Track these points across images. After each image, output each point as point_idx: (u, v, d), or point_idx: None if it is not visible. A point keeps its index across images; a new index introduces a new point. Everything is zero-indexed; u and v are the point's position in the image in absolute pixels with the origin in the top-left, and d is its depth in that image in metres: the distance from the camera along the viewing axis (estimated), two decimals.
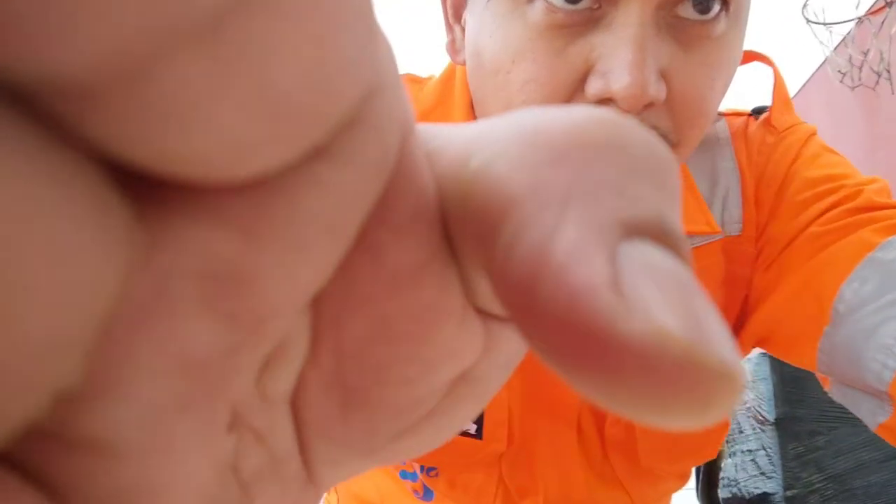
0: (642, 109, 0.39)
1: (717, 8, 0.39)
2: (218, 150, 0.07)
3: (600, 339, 0.07)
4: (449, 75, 0.55)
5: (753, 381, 2.04)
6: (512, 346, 0.12)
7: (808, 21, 3.38)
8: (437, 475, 0.54)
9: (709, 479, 2.31)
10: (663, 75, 0.39)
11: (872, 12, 3.39)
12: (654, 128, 0.40)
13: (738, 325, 0.54)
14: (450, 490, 0.55)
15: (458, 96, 0.52)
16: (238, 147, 0.07)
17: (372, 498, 0.61)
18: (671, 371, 0.07)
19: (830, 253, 0.46)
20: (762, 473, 2.01)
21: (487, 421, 0.51)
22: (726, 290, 0.53)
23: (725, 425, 0.57)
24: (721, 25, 0.40)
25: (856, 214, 0.46)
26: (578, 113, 0.09)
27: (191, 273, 0.08)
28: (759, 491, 2.01)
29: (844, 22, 3.41)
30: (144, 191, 0.07)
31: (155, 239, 0.07)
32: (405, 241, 0.09)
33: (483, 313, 0.11)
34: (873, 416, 0.45)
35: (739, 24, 0.42)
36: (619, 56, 0.37)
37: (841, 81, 3.55)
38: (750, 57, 0.55)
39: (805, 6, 3.42)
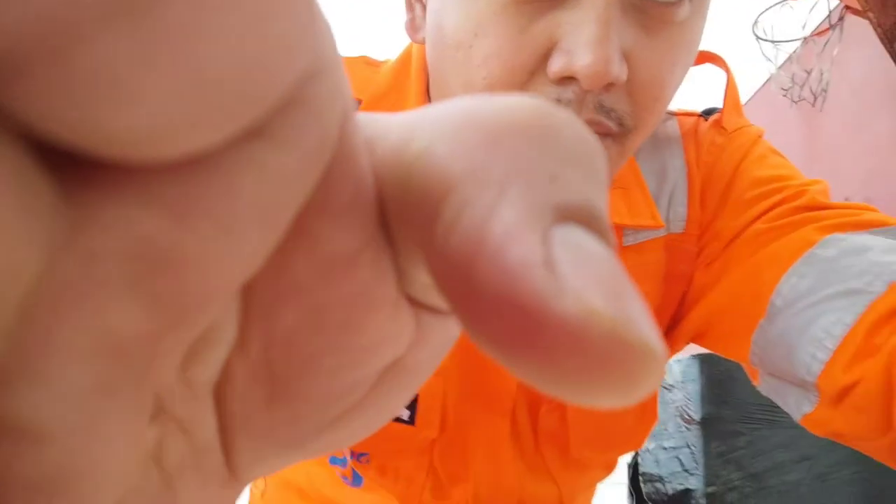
0: (603, 90, 0.39)
1: None
2: (146, 129, 0.07)
3: (534, 317, 0.08)
4: (405, 59, 0.54)
5: (683, 382, 2.11)
6: (441, 337, 0.12)
7: (758, 38, 3.49)
8: (367, 461, 0.54)
9: (636, 473, 2.37)
10: (626, 57, 0.39)
11: (818, 33, 3.52)
12: (613, 110, 0.40)
13: (674, 321, 0.56)
14: (380, 476, 0.55)
15: (413, 80, 0.52)
16: (168, 126, 0.07)
17: (301, 483, 0.61)
18: (599, 349, 0.08)
19: (772, 249, 0.47)
20: (685, 470, 2.08)
21: (421, 407, 0.51)
22: (666, 285, 0.54)
23: (653, 417, 0.58)
24: (685, 10, 0.41)
25: (799, 213, 0.48)
26: (512, 100, 0.10)
27: (116, 253, 0.07)
28: (681, 487, 2.08)
29: (791, 41, 3.53)
30: (72, 170, 0.07)
31: (81, 219, 0.07)
32: (341, 228, 0.09)
33: (415, 303, 0.11)
34: (799, 408, 0.46)
35: (702, 10, 0.43)
36: (583, 33, 0.37)
37: (784, 96, 3.68)
38: (704, 58, 0.56)
39: (756, 23, 3.52)
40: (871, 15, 2.73)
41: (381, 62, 0.57)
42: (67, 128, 0.06)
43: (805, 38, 3.50)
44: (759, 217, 0.49)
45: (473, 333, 0.09)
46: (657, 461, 2.19)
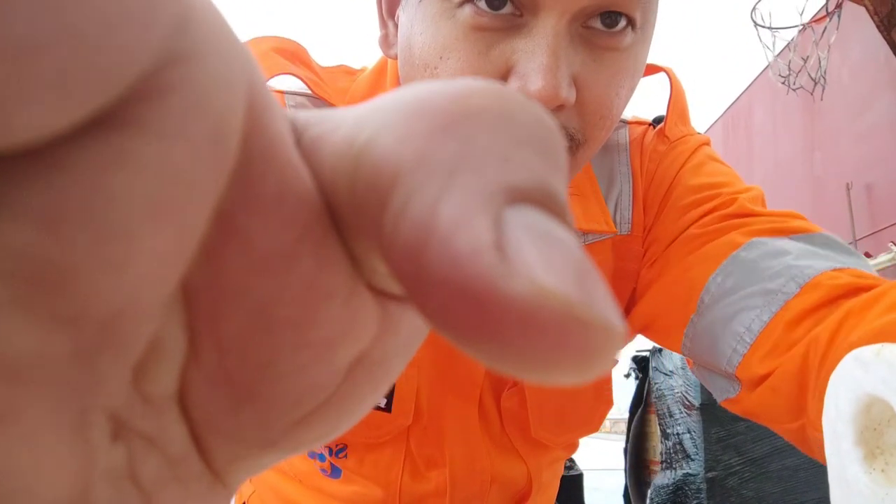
0: (554, 110, 0.43)
1: (623, 23, 0.44)
2: None
3: (483, 300, 0.08)
4: (381, 68, 0.57)
5: (683, 369, 2.13)
6: (410, 328, 0.11)
7: (756, 24, 3.49)
8: (345, 456, 0.58)
9: (637, 460, 2.40)
10: (574, 81, 0.43)
11: (815, 20, 3.52)
12: (564, 128, 0.44)
13: (625, 314, 0.60)
14: (359, 467, 0.58)
15: (389, 89, 0.55)
16: None
17: (283, 467, 0.64)
18: (553, 328, 0.08)
19: (703, 252, 0.52)
20: (686, 455, 2.11)
21: (397, 395, 0.55)
22: (615, 282, 0.59)
23: (608, 402, 0.63)
24: (627, 39, 0.45)
25: (728, 220, 0.53)
26: (464, 84, 0.09)
27: None
28: (682, 472, 2.11)
29: (789, 28, 3.54)
30: None
31: None
32: (272, 222, 0.09)
33: (379, 293, 0.11)
34: (724, 393, 0.52)
35: (645, 40, 0.47)
36: (535, 60, 0.42)
37: (782, 83, 3.69)
38: (653, 69, 0.59)
39: (754, 9, 3.53)
40: (867, 3, 2.74)
41: (359, 70, 0.60)
42: None
43: (803, 26, 3.50)
44: (693, 223, 0.54)
45: (429, 320, 0.08)
46: (664, 448, 2.22)
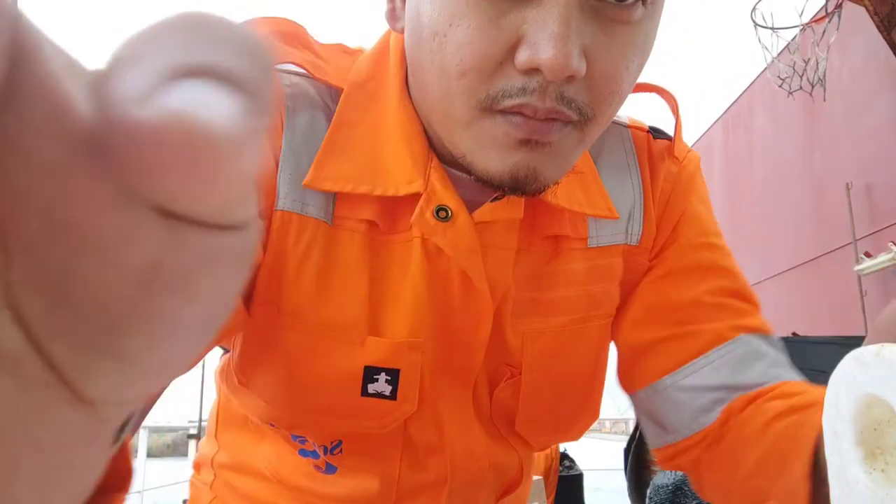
0: (564, 82, 0.43)
1: None
2: None
3: (121, 131, 0.10)
4: (383, 46, 0.57)
5: None
6: (202, 244, 0.12)
7: (756, 24, 3.50)
8: (340, 451, 0.58)
9: (637, 460, 2.40)
10: (585, 53, 0.43)
11: (815, 20, 3.53)
12: (573, 100, 0.44)
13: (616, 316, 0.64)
14: (355, 461, 0.58)
15: (392, 68, 0.55)
16: None
17: (261, 468, 0.63)
18: (179, 142, 0.10)
19: (700, 329, 0.58)
20: None
21: (402, 382, 0.55)
22: (622, 289, 0.62)
23: (594, 412, 0.65)
24: (638, 12, 0.45)
25: (726, 297, 0.60)
26: (189, 10, 0.11)
27: None
28: (682, 472, 2.10)
29: (789, 28, 3.54)
30: None
31: None
32: (44, 140, 0.11)
33: (165, 213, 0.11)
34: (657, 440, 0.61)
35: (655, 15, 0.47)
36: (546, 29, 0.41)
37: (780, 86, 3.69)
38: (653, 89, 0.61)
39: (754, 10, 3.53)
40: (867, 3, 2.75)
41: (356, 50, 0.60)
42: None
43: (803, 26, 3.50)
44: (694, 279, 0.60)
45: (120, 172, 0.11)
46: None
